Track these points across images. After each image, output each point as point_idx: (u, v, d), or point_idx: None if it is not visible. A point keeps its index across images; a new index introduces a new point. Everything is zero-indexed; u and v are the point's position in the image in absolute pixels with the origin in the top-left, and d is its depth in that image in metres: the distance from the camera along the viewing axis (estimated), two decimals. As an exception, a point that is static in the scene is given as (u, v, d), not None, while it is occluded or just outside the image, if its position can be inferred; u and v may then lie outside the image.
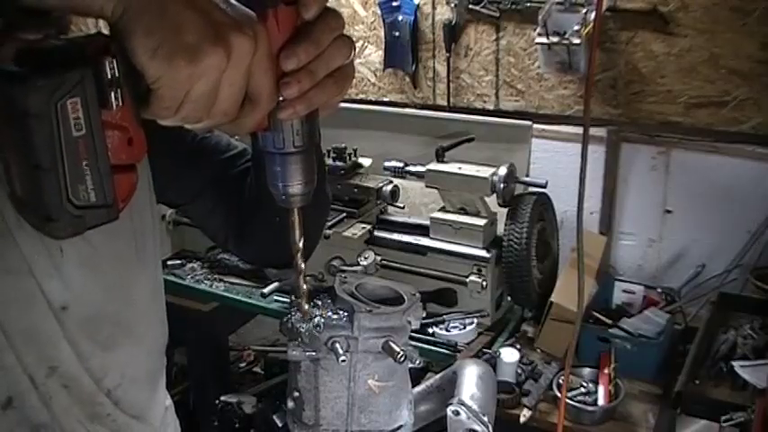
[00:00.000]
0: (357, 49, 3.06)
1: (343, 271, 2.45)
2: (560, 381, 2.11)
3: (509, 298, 2.54)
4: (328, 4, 0.67)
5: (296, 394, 0.84)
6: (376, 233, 2.61)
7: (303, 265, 0.76)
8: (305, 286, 0.77)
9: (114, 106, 0.58)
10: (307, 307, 0.78)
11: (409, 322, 0.81)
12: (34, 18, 0.57)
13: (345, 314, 0.79)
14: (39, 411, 0.85)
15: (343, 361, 0.77)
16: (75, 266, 0.84)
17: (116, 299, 0.90)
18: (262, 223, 1.00)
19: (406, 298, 0.83)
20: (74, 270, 0.84)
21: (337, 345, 0.77)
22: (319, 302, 0.81)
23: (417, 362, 0.80)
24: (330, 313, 0.80)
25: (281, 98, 0.65)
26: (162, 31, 0.56)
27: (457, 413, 0.97)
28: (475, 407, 0.98)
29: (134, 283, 0.93)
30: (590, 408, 2.09)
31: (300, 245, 0.75)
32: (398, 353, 0.78)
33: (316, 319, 0.79)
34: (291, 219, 0.74)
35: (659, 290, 2.54)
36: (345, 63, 0.68)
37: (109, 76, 0.57)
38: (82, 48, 0.58)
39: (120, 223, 0.87)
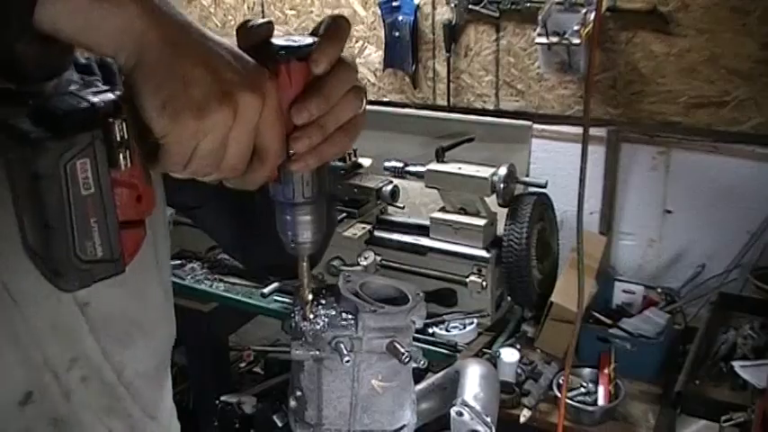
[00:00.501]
0: (357, 50, 3.07)
1: (344, 271, 2.45)
2: (560, 381, 2.11)
3: (509, 298, 2.54)
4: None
5: (298, 393, 0.83)
6: (376, 233, 2.61)
7: (311, 315, 0.79)
8: (310, 315, 0.78)
9: (123, 167, 0.59)
10: (311, 315, 0.79)
11: (413, 322, 0.81)
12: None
13: (350, 314, 0.79)
14: (58, 405, 0.85)
15: (348, 361, 0.77)
16: None
17: (133, 298, 0.91)
18: (269, 232, 1.00)
19: (410, 297, 0.83)
20: None
21: (341, 345, 0.77)
22: (323, 302, 0.81)
23: (422, 362, 0.80)
24: (334, 313, 0.80)
25: (291, 151, 0.66)
26: (170, 88, 0.57)
27: (460, 414, 0.97)
28: (478, 407, 0.98)
29: (150, 283, 0.94)
30: (590, 408, 2.09)
31: (309, 294, 0.77)
32: (403, 353, 0.77)
33: (320, 319, 0.79)
34: (300, 264, 0.75)
35: (659, 290, 2.54)
36: (356, 114, 0.68)
37: (118, 138, 0.58)
38: (94, 109, 0.59)
39: None
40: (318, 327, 0.78)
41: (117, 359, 0.90)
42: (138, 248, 0.64)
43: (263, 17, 3.22)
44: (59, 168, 0.57)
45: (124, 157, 0.59)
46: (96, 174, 0.58)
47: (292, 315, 0.80)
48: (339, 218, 2.61)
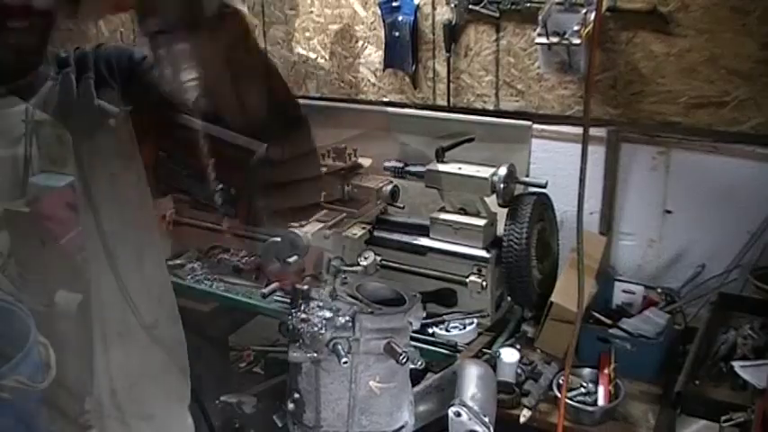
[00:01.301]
0: (357, 50, 3.06)
1: (343, 271, 2.45)
2: (560, 381, 2.11)
3: (509, 298, 2.54)
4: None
5: (296, 396, 0.84)
6: (376, 233, 2.61)
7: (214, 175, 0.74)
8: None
9: None
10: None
11: (410, 323, 0.81)
12: None
13: (347, 316, 0.79)
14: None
15: (345, 362, 0.77)
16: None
17: (122, 300, 0.90)
18: None
19: (407, 299, 0.83)
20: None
21: (339, 346, 0.77)
22: (321, 303, 0.81)
23: (419, 363, 0.80)
24: (331, 315, 0.80)
25: None
26: None
27: (458, 414, 0.97)
28: (476, 408, 0.98)
29: (98, 279, 0.92)
30: (590, 408, 2.09)
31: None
32: (400, 354, 0.78)
33: (317, 321, 0.79)
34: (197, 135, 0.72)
35: (659, 290, 2.54)
36: None
37: None
38: None
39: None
40: (316, 329, 0.78)
41: (101, 366, 0.88)
42: None
43: (264, 17, 3.22)
44: None
45: None
46: None
47: (289, 318, 0.80)
48: (339, 218, 2.61)
